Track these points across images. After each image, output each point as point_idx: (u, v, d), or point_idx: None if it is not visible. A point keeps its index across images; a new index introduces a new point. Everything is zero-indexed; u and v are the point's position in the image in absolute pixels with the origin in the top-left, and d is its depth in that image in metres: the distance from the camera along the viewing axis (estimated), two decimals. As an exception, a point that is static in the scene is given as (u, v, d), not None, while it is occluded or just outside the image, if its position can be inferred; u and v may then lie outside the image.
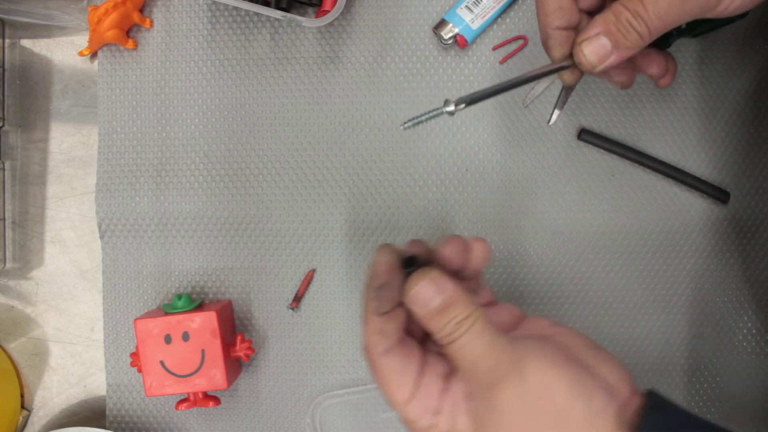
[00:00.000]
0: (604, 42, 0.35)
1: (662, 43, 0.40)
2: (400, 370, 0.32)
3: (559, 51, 0.37)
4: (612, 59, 0.35)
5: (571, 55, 0.36)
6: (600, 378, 0.30)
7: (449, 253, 0.34)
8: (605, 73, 0.37)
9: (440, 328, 0.31)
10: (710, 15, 0.34)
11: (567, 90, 0.43)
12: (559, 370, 0.30)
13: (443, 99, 0.52)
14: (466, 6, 0.50)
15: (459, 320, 0.31)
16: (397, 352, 0.32)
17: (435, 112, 0.35)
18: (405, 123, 0.35)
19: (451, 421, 0.32)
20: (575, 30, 0.37)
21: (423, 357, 0.33)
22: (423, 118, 0.35)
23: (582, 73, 0.37)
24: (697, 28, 0.42)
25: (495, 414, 0.30)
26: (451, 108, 0.34)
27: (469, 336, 0.31)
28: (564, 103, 0.43)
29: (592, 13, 0.38)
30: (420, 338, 0.35)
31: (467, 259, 0.35)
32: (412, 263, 0.33)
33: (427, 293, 0.31)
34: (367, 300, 0.33)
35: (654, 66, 0.39)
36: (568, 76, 0.38)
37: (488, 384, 0.30)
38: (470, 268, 0.35)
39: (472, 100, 0.35)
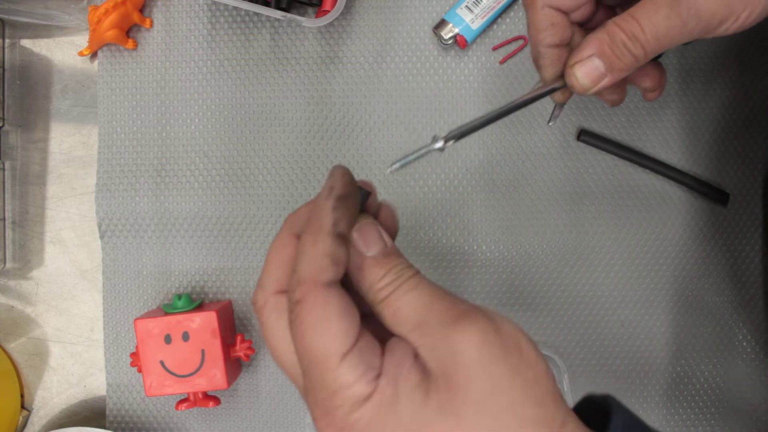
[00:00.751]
0: (597, 64, 0.33)
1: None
2: (346, 310, 0.25)
3: (551, 70, 0.36)
4: (605, 81, 0.34)
5: (562, 75, 0.35)
6: None
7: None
8: (597, 92, 0.36)
9: (380, 276, 0.27)
10: (710, 36, 0.33)
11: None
12: (519, 327, 0.27)
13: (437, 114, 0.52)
14: (466, 6, 0.50)
15: (401, 268, 0.27)
16: (342, 290, 0.26)
17: (423, 150, 0.33)
18: (392, 165, 0.33)
19: (395, 383, 0.25)
20: (568, 46, 0.36)
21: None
22: (411, 158, 0.33)
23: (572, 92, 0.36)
24: None
25: (459, 355, 0.25)
26: (440, 144, 0.33)
27: (414, 281, 0.27)
28: (562, 106, 0.43)
29: (584, 24, 0.37)
30: None
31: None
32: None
33: (368, 239, 0.27)
34: (322, 213, 0.27)
35: (648, 79, 0.38)
36: (558, 95, 0.37)
37: (450, 320, 0.25)
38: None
39: (461, 134, 0.33)
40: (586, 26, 0.37)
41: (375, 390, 0.25)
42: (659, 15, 0.31)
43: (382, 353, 0.26)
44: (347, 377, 0.25)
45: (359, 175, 0.52)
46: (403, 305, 0.26)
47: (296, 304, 0.25)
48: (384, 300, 0.27)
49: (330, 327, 0.25)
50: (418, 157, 0.33)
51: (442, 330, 0.25)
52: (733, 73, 0.51)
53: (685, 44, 0.49)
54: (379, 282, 0.27)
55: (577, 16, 0.37)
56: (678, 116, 0.51)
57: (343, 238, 0.27)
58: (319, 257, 0.26)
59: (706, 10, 0.31)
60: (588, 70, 0.33)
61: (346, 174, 0.29)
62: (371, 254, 0.27)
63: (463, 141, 0.51)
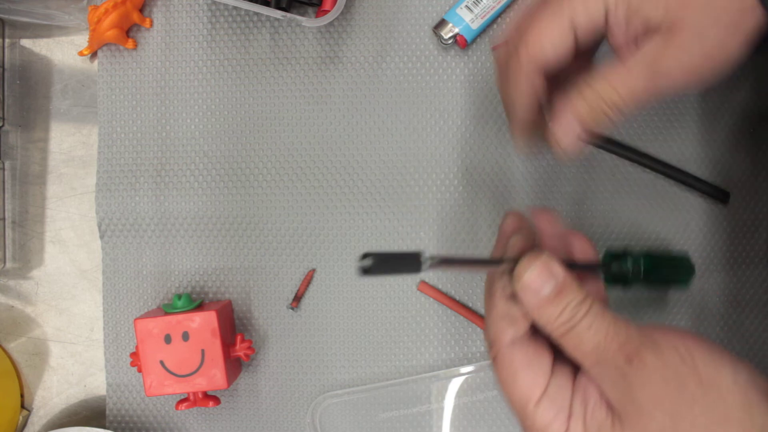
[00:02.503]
0: (575, 127, 0.34)
1: (624, 283, 0.41)
2: (531, 363, 0.29)
3: (525, 133, 0.37)
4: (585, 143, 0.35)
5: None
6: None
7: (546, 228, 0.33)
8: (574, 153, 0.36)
9: (556, 315, 0.28)
10: (681, 92, 0.34)
11: None
12: (695, 341, 0.28)
13: (439, 110, 0.52)
14: (466, 6, 0.50)
15: (575, 304, 0.28)
16: (527, 343, 0.29)
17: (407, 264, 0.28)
18: (363, 262, 0.27)
19: (583, 422, 0.28)
20: (542, 110, 0.37)
21: (552, 352, 0.30)
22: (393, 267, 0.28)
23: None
24: (652, 277, 0.43)
25: (636, 393, 0.27)
26: (427, 265, 0.28)
27: (590, 318, 0.28)
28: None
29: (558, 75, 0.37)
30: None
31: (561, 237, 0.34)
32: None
33: (540, 278, 0.29)
34: (491, 282, 0.30)
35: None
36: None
37: (624, 360, 0.27)
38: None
39: (443, 261, 0.29)
40: (562, 75, 0.37)
41: (567, 429, 0.28)
42: (632, 75, 0.32)
43: (573, 388, 0.29)
44: (542, 420, 0.28)
45: (359, 175, 0.52)
46: (582, 341, 0.28)
47: (493, 362, 0.30)
48: (563, 336, 0.29)
49: (518, 380, 0.29)
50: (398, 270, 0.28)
51: (619, 368, 0.27)
52: (736, 72, 0.51)
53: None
54: (556, 321, 0.29)
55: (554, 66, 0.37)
56: (678, 116, 0.51)
57: (514, 302, 0.30)
58: (497, 320, 0.29)
59: (675, 75, 0.32)
60: (567, 131, 0.34)
61: (512, 242, 0.32)
62: (541, 297, 0.29)
63: (462, 141, 0.52)
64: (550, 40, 0.33)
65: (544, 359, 0.29)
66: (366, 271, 0.27)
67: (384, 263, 0.27)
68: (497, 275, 0.30)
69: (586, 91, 0.33)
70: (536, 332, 0.30)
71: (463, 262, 0.33)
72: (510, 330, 0.29)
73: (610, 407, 0.28)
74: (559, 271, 0.29)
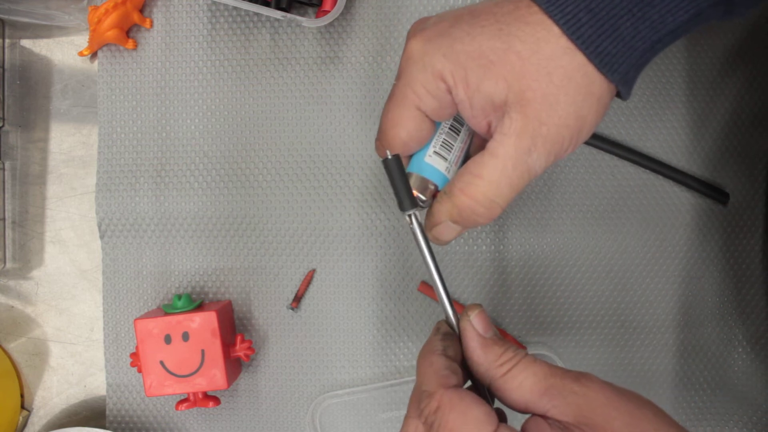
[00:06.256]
0: (453, 226, 0.35)
1: None
2: (479, 400, 0.29)
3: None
4: (466, 229, 0.36)
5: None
6: None
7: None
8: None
9: (500, 353, 0.31)
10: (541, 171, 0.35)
11: None
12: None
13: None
14: (435, 152, 0.45)
15: (514, 347, 0.31)
16: (469, 391, 0.30)
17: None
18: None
19: None
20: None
21: None
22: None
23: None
24: None
25: (592, 402, 0.29)
26: (407, 212, 0.35)
27: (531, 357, 0.31)
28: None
29: None
30: None
31: None
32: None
33: (484, 321, 0.32)
34: (433, 343, 0.33)
35: None
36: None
37: (572, 380, 0.30)
38: None
39: (419, 234, 0.36)
40: None
41: None
42: (497, 167, 0.33)
43: None
44: None
45: (359, 175, 0.52)
46: (528, 376, 0.30)
47: (436, 413, 0.29)
48: (507, 373, 0.30)
49: (474, 413, 0.29)
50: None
51: (570, 387, 0.29)
52: (735, 74, 0.51)
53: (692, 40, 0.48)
54: (501, 358, 0.31)
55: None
56: (678, 116, 0.51)
57: (453, 360, 0.32)
58: (439, 371, 0.30)
59: (539, 167, 0.34)
60: (446, 229, 0.36)
61: (446, 322, 0.35)
62: (489, 336, 0.32)
63: (463, 141, 0.52)
64: (405, 129, 0.35)
65: (486, 404, 0.30)
66: (385, 161, 0.35)
67: (395, 173, 0.34)
68: (438, 339, 0.33)
69: (453, 191, 0.34)
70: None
71: (424, 256, 0.35)
72: (453, 378, 0.31)
73: (565, 427, 0.29)
74: (494, 327, 0.33)
